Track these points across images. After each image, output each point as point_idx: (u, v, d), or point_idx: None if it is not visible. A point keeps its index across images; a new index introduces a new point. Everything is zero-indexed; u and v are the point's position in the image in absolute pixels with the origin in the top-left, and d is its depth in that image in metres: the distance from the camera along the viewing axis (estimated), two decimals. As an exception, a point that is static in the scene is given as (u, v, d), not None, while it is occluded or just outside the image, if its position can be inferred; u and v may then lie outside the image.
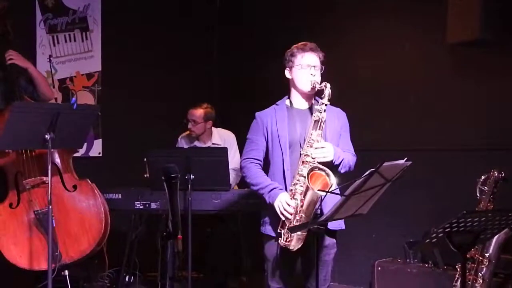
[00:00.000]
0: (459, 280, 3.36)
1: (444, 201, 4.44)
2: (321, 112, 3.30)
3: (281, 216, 3.29)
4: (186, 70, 6.02)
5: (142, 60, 5.76)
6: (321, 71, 3.43)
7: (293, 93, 3.50)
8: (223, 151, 4.55)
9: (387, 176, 3.02)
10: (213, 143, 5.19)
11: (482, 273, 3.52)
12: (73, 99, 5.06)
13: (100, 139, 5.65)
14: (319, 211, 3.28)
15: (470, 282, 3.49)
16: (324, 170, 3.23)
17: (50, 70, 5.40)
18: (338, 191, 3.09)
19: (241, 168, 3.51)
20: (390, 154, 3.13)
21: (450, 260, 3.97)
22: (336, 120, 3.45)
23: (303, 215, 3.24)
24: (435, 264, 4.20)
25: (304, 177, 3.22)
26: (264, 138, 3.45)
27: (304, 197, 3.24)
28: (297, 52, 3.43)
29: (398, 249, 4.45)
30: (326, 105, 3.31)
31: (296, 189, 3.28)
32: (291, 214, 3.25)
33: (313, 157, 3.26)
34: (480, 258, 3.53)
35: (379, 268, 4.43)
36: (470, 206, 3.58)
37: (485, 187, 3.65)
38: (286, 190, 3.34)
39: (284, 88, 3.60)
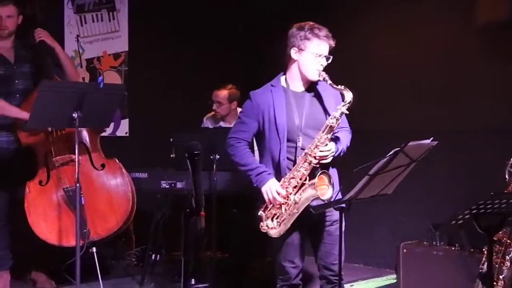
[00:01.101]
0: (486, 263, 3.32)
1: (472, 184, 4.41)
2: (337, 119, 3.22)
3: (268, 203, 3.27)
4: (213, 51, 6.03)
5: (168, 40, 5.78)
6: (328, 61, 3.33)
7: (294, 74, 3.39)
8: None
9: (413, 156, 3.01)
10: (239, 124, 5.20)
11: (510, 256, 3.49)
12: (100, 78, 5.11)
13: (127, 119, 5.69)
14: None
15: (497, 265, 3.46)
16: (328, 179, 3.21)
17: (78, 50, 5.45)
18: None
19: (229, 146, 3.41)
20: (416, 136, 3.10)
21: (477, 243, 3.93)
22: (332, 99, 3.36)
23: (295, 211, 3.22)
24: (462, 247, 4.17)
25: (303, 174, 3.21)
26: (258, 123, 3.36)
27: (300, 193, 3.21)
28: (313, 37, 3.29)
29: (424, 232, 4.42)
30: (343, 113, 3.23)
31: (290, 182, 3.24)
32: (278, 203, 3.23)
33: (317, 158, 3.21)
34: (508, 241, 3.49)
35: (405, 250, 4.40)
36: (499, 189, 3.53)
37: (514, 170, 3.61)
38: (280, 177, 3.29)
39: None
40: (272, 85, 3.42)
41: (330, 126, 3.23)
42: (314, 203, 3.23)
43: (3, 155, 4.46)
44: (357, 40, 5.22)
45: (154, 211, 4.82)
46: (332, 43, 3.35)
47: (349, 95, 3.22)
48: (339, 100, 3.32)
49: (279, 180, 3.28)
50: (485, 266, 3.47)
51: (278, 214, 3.27)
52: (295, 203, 3.22)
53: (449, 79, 4.82)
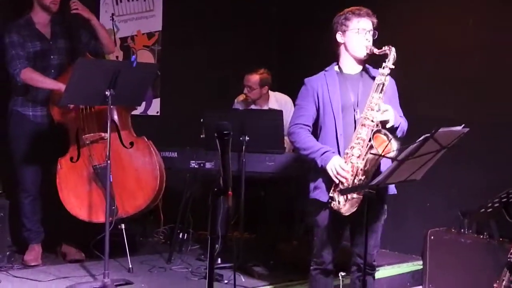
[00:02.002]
0: (514, 252, 3.29)
1: (502, 174, 4.35)
2: (385, 75, 3.26)
3: (335, 179, 3.26)
4: (246, 33, 6.02)
5: (202, 21, 5.79)
6: (374, 37, 3.37)
7: (345, 57, 3.44)
8: (279, 114, 4.58)
9: (443, 142, 2.98)
10: (269, 108, 5.21)
11: (539, 246, 3.45)
12: (133, 57, 5.15)
13: (159, 98, 5.73)
14: None
15: (525, 255, 3.42)
16: (387, 135, 3.18)
17: (113, 28, 5.49)
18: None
19: (290, 134, 3.45)
20: (449, 124, 3.07)
21: (506, 233, 3.90)
22: (388, 88, 3.36)
23: (362, 178, 3.21)
24: (491, 236, 4.14)
25: (364, 139, 3.21)
26: (315, 104, 3.40)
27: (363, 160, 3.21)
28: (353, 16, 3.36)
29: (452, 220, 4.40)
30: (390, 68, 3.27)
31: (353, 152, 3.24)
32: (345, 179, 3.23)
33: (374, 120, 3.22)
34: (537, 231, 3.45)
35: (432, 237, 4.39)
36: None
37: (546, 159, 3.55)
38: (339, 154, 3.31)
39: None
40: (325, 70, 3.49)
41: (380, 84, 3.26)
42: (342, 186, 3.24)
43: (37, 130, 4.54)
44: (394, 26, 5.17)
45: (183, 191, 4.86)
46: (374, 19, 3.40)
47: (392, 52, 3.26)
48: (392, 85, 3.40)
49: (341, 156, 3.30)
50: (513, 255, 3.43)
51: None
52: (360, 170, 3.21)
53: (484, 70, 4.75)
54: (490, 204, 2.76)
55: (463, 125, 3.03)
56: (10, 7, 4.77)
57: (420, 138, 2.93)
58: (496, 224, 4.08)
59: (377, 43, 3.38)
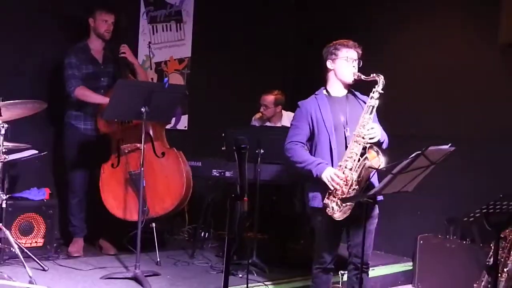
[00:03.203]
0: (492, 257, 3.26)
1: (485, 185, 4.31)
2: (374, 99, 3.28)
3: (330, 186, 3.23)
4: (264, 59, 6.01)
5: (225, 49, 5.81)
6: (359, 65, 3.40)
7: (333, 82, 3.46)
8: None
9: (432, 159, 2.97)
10: (282, 125, 5.21)
11: (514, 251, 3.41)
12: (166, 79, 5.18)
13: (187, 115, 5.75)
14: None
15: (502, 260, 3.38)
16: (376, 151, 3.19)
17: (149, 54, 5.53)
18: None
19: (286, 149, 3.39)
20: (439, 141, 3.06)
21: (486, 239, 3.85)
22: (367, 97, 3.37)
23: (356, 188, 3.20)
24: (473, 241, 4.09)
25: (356, 154, 3.21)
26: (308, 124, 3.38)
27: (356, 171, 3.20)
28: (342, 46, 3.41)
29: (440, 226, 4.36)
30: (379, 93, 3.27)
31: (346, 165, 3.23)
32: (339, 185, 3.21)
33: (365, 137, 3.22)
34: (514, 238, 3.41)
35: (422, 241, 4.35)
36: (508, 191, 3.45)
37: (523, 175, 3.52)
38: (332, 166, 3.28)
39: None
40: (315, 94, 3.50)
41: (371, 106, 3.28)
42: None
43: (86, 140, 4.61)
44: (392, 55, 5.18)
45: (205, 195, 4.86)
46: (359, 50, 3.43)
47: (381, 79, 3.28)
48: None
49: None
50: (492, 259, 3.39)
51: (340, 195, 3.22)
52: (354, 180, 3.20)
53: (472, 92, 4.72)
54: (472, 214, 2.74)
55: (450, 144, 3.02)
56: (72, 33, 4.84)
57: (412, 155, 2.92)
58: (478, 231, 4.04)
59: (379, 66, 3.39)
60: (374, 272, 4.36)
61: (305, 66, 6.04)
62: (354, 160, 3.22)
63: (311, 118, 3.38)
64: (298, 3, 6.31)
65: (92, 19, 4.57)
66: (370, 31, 5.12)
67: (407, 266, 4.68)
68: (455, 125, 4.76)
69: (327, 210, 3.27)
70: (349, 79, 3.39)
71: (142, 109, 4.03)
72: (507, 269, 3.39)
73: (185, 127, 5.76)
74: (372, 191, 3.11)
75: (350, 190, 3.21)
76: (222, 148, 4.57)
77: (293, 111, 5.29)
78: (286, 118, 5.27)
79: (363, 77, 3.32)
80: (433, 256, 4.26)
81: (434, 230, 4.44)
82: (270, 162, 4.52)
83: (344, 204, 3.21)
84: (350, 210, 3.23)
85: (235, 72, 5.87)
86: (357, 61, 3.40)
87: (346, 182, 3.22)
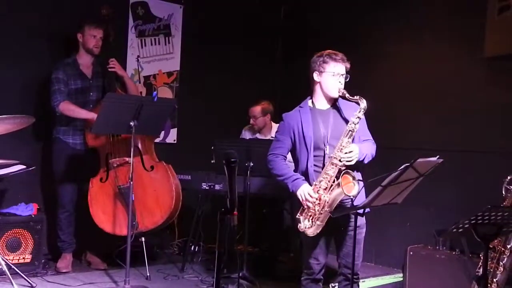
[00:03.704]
0: (482, 267, 3.28)
1: (473, 197, 4.34)
2: (355, 124, 3.25)
3: (303, 204, 3.25)
4: (251, 72, 6.05)
5: (214, 62, 5.83)
6: (346, 80, 3.37)
7: (318, 94, 3.42)
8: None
9: (421, 170, 2.99)
10: (272, 136, 5.23)
11: (503, 262, 3.42)
12: (154, 93, 5.17)
13: (176, 128, 5.75)
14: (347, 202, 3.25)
15: (491, 270, 3.40)
16: (352, 176, 3.18)
17: (138, 68, 5.53)
18: (360, 196, 3.12)
19: (268, 161, 3.42)
20: (427, 153, 3.08)
21: (475, 249, 3.87)
22: (352, 112, 3.33)
23: (327, 209, 3.20)
24: (462, 252, 4.11)
25: (331, 176, 3.20)
26: (290, 138, 3.39)
27: (329, 193, 3.19)
28: (330, 60, 3.35)
29: (429, 237, 4.38)
30: (359, 118, 3.26)
31: (321, 185, 3.22)
32: (312, 204, 3.21)
33: (341, 160, 3.21)
34: (502, 248, 3.42)
35: (411, 253, 4.36)
36: (495, 203, 3.48)
37: (510, 187, 3.54)
38: (309, 183, 3.28)
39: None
40: (300, 107, 3.47)
41: (350, 131, 3.25)
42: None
43: (75, 155, 4.59)
44: (381, 67, 5.22)
45: (195, 209, 4.86)
46: (348, 64, 3.38)
47: (363, 103, 3.25)
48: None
49: (311, 186, 3.28)
50: (481, 270, 3.42)
51: (312, 214, 3.24)
52: (326, 202, 3.19)
53: (459, 104, 4.76)
54: (461, 225, 2.75)
55: (438, 156, 3.04)
56: (61, 48, 4.86)
57: (401, 167, 2.94)
58: (467, 242, 4.06)
59: (369, 80, 3.36)
60: (365, 284, 4.36)
61: (293, 78, 6.07)
62: (329, 181, 3.21)
63: (293, 132, 3.38)
64: (286, 14, 6.35)
65: (81, 34, 4.58)
66: (358, 45, 5.16)
67: (397, 277, 4.67)
68: (443, 137, 4.80)
69: (298, 226, 3.27)
70: (334, 95, 3.36)
71: (131, 123, 4.03)
72: (496, 279, 3.41)
73: (174, 140, 5.75)
74: (362, 203, 3.12)
75: (321, 210, 3.21)
76: (212, 161, 4.57)
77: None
78: (276, 130, 5.28)
79: (347, 95, 3.29)
80: (423, 267, 4.27)
81: (423, 241, 4.45)
82: (260, 175, 4.53)
83: (316, 222, 3.21)
84: (321, 227, 3.22)
85: (223, 85, 5.89)
86: (344, 75, 3.36)
87: (319, 202, 3.22)
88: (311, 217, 3.25)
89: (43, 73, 4.70)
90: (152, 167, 4.55)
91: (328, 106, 3.43)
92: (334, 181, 3.20)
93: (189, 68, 5.77)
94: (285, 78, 6.27)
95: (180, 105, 5.52)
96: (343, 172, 3.18)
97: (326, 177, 3.23)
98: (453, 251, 4.18)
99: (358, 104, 3.26)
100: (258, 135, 5.28)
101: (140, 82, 5.53)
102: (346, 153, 3.21)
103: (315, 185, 3.25)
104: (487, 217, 2.68)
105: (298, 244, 5.00)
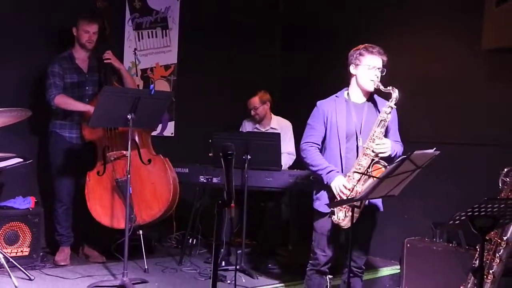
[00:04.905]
0: (478, 259, 3.29)
1: (470, 189, 4.36)
2: (387, 114, 3.27)
3: (338, 196, 3.26)
4: (250, 64, 6.04)
5: (212, 54, 5.83)
6: (382, 73, 3.37)
7: (354, 87, 3.43)
8: (277, 136, 4.61)
9: (418, 163, 3.00)
10: (271, 127, 5.24)
11: (499, 254, 3.43)
12: (152, 86, 5.18)
13: (173, 121, 5.75)
14: None
15: (488, 262, 3.42)
16: (383, 165, 3.20)
17: (135, 61, 5.53)
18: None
19: (302, 150, 3.43)
20: (425, 146, 3.09)
21: (472, 241, 3.89)
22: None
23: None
24: (459, 244, 4.13)
25: (364, 166, 3.23)
26: (324, 125, 3.38)
27: (362, 183, 3.21)
28: (366, 52, 3.35)
29: (427, 230, 4.40)
30: (392, 108, 3.28)
31: (354, 176, 3.25)
32: (346, 196, 3.22)
33: (375, 151, 3.23)
34: (499, 240, 3.43)
35: (409, 245, 4.38)
36: (492, 195, 3.49)
37: (507, 179, 3.54)
38: (342, 173, 3.31)
39: (338, 82, 3.56)
40: (336, 96, 3.47)
41: (382, 120, 3.27)
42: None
43: (72, 148, 4.59)
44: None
45: (193, 202, 4.86)
46: (384, 57, 3.39)
47: (395, 93, 3.27)
48: (393, 113, 3.37)
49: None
50: (477, 261, 3.44)
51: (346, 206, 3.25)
52: (359, 193, 3.20)
53: (456, 97, 4.77)
54: (458, 217, 2.76)
55: (435, 148, 3.05)
56: (57, 42, 4.84)
57: (398, 159, 2.95)
58: (464, 234, 4.08)
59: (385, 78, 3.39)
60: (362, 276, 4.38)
61: (293, 69, 6.08)
62: (364, 172, 3.23)
63: (327, 120, 3.38)
64: (284, 4, 6.34)
65: (75, 28, 4.56)
66: (356, 37, 5.13)
67: (394, 269, 4.70)
68: (440, 130, 4.81)
69: (333, 219, 3.29)
70: (370, 88, 3.37)
71: (128, 116, 4.03)
72: (492, 270, 3.42)
73: (172, 133, 5.76)
74: (359, 196, 3.14)
75: (354, 202, 3.22)
76: (209, 154, 4.58)
77: (280, 114, 5.38)
78: (276, 122, 5.30)
79: (382, 87, 3.30)
80: (420, 260, 4.29)
81: (421, 233, 4.47)
82: (258, 168, 4.54)
83: (350, 213, 3.22)
84: (357, 217, 3.23)
85: (221, 78, 5.88)
86: (380, 69, 3.35)
87: (352, 193, 3.23)
88: (345, 209, 3.25)
89: (39, 67, 4.69)
90: (149, 160, 4.55)
91: (364, 100, 3.44)
92: (366, 172, 3.21)
93: (186, 61, 5.76)
94: (284, 69, 6.27)
95: (177, 98, 5.51)
96: (373, 162, 3.20)
97: (359, 168, 3.25)
98: (450, 243, 4.20)
99: (390, 94, 3.27)
100: (258, 126, 5.29)
101: (137, 75, 5.53)
102: (378, 144, 3.23)
103: (349, 176, 3.27)
104: (483, 210, 2.69)
105: (296, 236, 5.05)
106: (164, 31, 5.69)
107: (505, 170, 3.60)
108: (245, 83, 5.83)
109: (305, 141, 3.43)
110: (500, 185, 3.57)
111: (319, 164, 3.35)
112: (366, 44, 3.41)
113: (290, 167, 5.15)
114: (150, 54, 5.64)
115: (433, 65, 4.94)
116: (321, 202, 3.39)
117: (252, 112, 5.25)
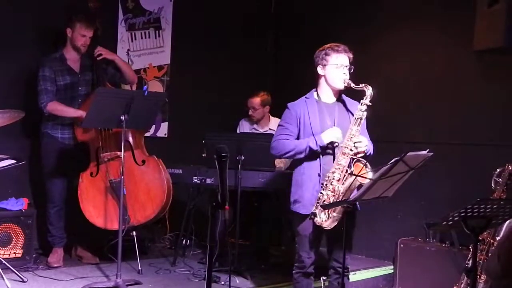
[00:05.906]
0: (471, 259, 3.30)
1: (463, 190, 4.38)
2: (362, 111, 3.26)
3: (335, 139, 3.24)
4: (244, 64, 6.03)
5: (205, 55, 5.82)
6: (350, 71, 3.37)
7: (323, 88, 3.42)
8: (270, 137, 4.58)
9: (411, 164, 3.01)
10: (269, 128, 5.24)
11: (492, 254, 3.46)
12: (145, 87, 5.16)
13: (167, 122, 5.73)
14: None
15: (481, 262, 3.43)
16: (364, 163, 3.19)
17: (128, 62, 5.50)
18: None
19: (272, 148, 3.39)
20: (418, 146, 3.11)
21: (465, 241, 3.91)
22: (356, 107, 3.35)
23: (342, 199, 3.21)
24: (452, 244, 4.14)
25: (344, 166, 3.22)
26: (297, 126, 3.36)
27: (342, 183, 3.21)
28: (332, 52, 3.35)
29: (420, 230, 4.41)
30: (367, 105, 3.26)
31: (333, 176, 3.24)
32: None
33: (352, 149, 3.23)
34: (491, 240, 3.45)
35: (402, 245, 4.39)
36: (485, 195, 3.51)
37: (500, 179, 3.56)
38: (319, 174, 3.29)
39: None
40: (306, 97, 3.46)
41: (359, 118, 3.26)
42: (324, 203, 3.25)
43: (64, 149, 4.57)
44: (371, 63, 5.22)
45: (186, 203, 4.85)
46: (350, 55, 3.38)
47: (369, 90, 3.26)
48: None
49: (320, 179, 3.28)
50: (471, 262, 3.45)
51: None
52: (341, 193, 3.20)
53: (448, 97, 4.79)
54: (451, 218, 2.76)
55: (428, 149, 3.06)
56: (49, 42, 4.80)
57: (392, 161, 2.95)
58: (457, 234, 4.10)
59: (355, 76, 3.40)
60: (356, 276, 4.39)
61: (285, 69, 6.08)
62: (342, 172, 3.22)
63: (299, 121, 3.37)
64: (276, 4, 6.34)
65: (70, 30, 4.51)
66: (347, 37, 5.15)
67: (388, 269, 4.71)
68: (432, 130, 4.83)
69: (315, 220, 3.27)
70: (340, 86, 3.36)
71: (122, 117, 4.01)
72: (485, 271, 3.43)
73: (165, 134, 5.74)
74: (353, 197, 3.14)
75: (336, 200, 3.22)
76: (203, 155, 4.57)
77: (276, 114, 5.37)
78: (274, 123, 5.28)
79: (353, 85, 3.29)
80: (413, 260, 4.30)
81: (414, 234, 4.48)
82: (251, 168, 4.53)
83: (333, 214, 3.21)
84: (338, 220, 3.22)
85: (214, 78, 5.87)
86: (348, 66, 3.35)
87: (334, 194, 3.22)
88: (328, 210, 3.24)
89: (31, 67, 4.66)
90: (143, 161, 4.54)
91: (334, 99, 3.43)
92: (346, 171, 3.20)
93: (179, 62, 5.75)
94: (276, 70, 6.27)
95: (171, 99, 5.50)
96: (354, 161, 3.19)
97: (339, 168, 3.24)
98: (443, 243, 4.21)
99: (364, 91, 3.26)
100: (255, 126, 5.28)
101: (133, 76, 5.50)
102: (356, 142, 3.22)
103: (328, 177, 3.26)
104: (476, 210, 2.70)
105: (289, 237, 5.05)
106: (157, 31, 5.68)
107: (498, 170, 3.62)
108: (238, 84, 5.83)
109: (275, 139, 3.40)
110: (493, 185, 3.58)
111: (297, 143, 3.30)
112: (331, 44, 3.41)
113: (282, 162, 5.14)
114: (143, 54, 5.62)
115: (425, 66, 4.95)
116: (301, 204, 3.34)
117: (250, 112, 5.24)
